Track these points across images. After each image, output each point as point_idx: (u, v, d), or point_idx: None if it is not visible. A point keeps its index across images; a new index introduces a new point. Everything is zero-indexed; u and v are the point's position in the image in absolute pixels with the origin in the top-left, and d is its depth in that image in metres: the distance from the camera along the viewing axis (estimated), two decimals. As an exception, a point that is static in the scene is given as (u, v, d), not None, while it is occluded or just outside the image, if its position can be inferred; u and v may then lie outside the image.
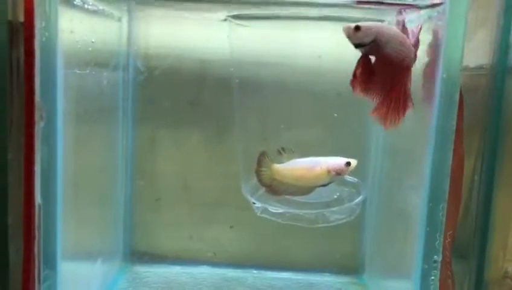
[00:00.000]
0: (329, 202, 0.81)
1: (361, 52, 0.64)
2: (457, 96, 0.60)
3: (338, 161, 0.71)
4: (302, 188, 0.73)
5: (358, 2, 0.66)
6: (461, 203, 0.73)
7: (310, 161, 0.72)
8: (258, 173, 0.73)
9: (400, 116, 0.63)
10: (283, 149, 0.73)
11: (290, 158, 0.73)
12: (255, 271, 0.97)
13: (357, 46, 0.63)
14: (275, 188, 0.74)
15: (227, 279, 0.95)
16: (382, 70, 0.63)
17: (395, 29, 0.63)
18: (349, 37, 0.63)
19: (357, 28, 0.62)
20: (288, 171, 0.72)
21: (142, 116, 0.94)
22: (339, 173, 0.71)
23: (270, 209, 0.79)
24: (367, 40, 0.62)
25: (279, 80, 0.86)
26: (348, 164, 0.71)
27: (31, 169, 0.62)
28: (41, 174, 0.61)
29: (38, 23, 0.59)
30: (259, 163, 0.73)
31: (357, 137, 0.87)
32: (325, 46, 0.86)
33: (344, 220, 0.80)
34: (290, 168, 0.72)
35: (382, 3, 0.65)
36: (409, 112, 0.64)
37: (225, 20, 0.80)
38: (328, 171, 0.71)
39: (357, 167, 0.75)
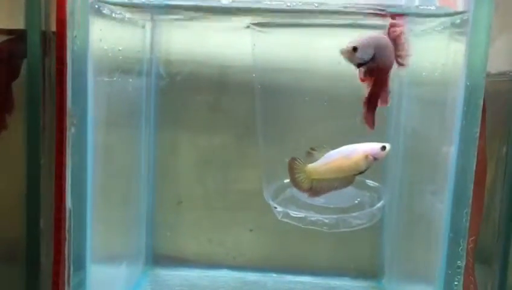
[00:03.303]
0: (349, 206, 0.82)
1: (364, 69, 0.63)
2: (481, 103, 0.61)
3: (373, 146, 0.69)
4: (342, 180, 0.71)
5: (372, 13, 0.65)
6: (483, 208, 0.73)
7: (344, 149, 0.70)
8: (293, 180, 0.70)
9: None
10: (313, 149, 0.70)
11: (322, 155, 0.70)
12: (274, 275, 0.98)
13: (359, 66, 0.62)
14: (316, 189, 0.71)
15: (247, 283, 0.95)
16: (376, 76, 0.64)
17: (387, 39, 0.63)
18: (350, 59, 0.62)
19: (355, 48, 0.61)
20: (325, 166, 0.69)
21: (164, 121, 0.96)
22: (376, 157, 0.69)
23: (291, 213, 0.80)
24: (367, 57, 0.61)
25: (300, 86, 0.87)
26: (384, 147, 0.69)
27: (62, 174, 0.63)
28: (71, 179, 0.63)
29: (70, 33, 0.61)
30: (292, 170, 0.70)
31: (377, 142, 0.87)
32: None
33: (365, 225, 0.80)
34: (326, 162, 0.70)
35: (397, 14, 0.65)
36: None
37: (248, 27, 0.81)
38: (366, 156, 0.69)
39: (377, 171, 0.75)
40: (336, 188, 0.71)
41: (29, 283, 0.73)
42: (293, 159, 0.70)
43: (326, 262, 0.98)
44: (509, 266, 0.75)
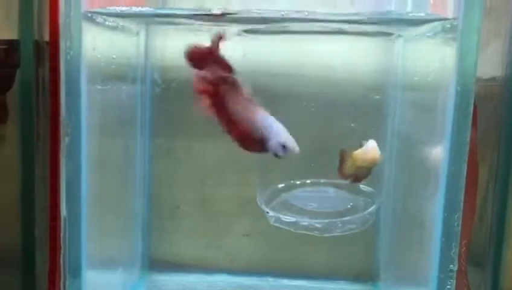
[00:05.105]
0: (342, 211, 0.82)
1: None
2: (471, 109, 0.61)
3: None
4: (365, 170, 0.76)
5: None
6: (476, 212, 0.73)
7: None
8: (341, 168, 0.76)
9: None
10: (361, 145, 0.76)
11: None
12: (271, 279, 0.98)
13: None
14: (360, 175, 0.77)
15: (244, 287, 0.96)
16: None
17: None
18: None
19: None
20: (367, 154, 0.74)
21: (159, 127, 0.95)
22: None
23: (282, 218, 0.81)
24: None
25: (293, 91, 0.87)
26: None
27: (57, 183, 0.64)
28: (66, 187, 0.63)
29: (63, 42, 0.62)
30: (343, 160, 0.76)
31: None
32: (338, 58, 0.88)
33: (357, 230, 0.81)
34: (368, 150, 0.75)
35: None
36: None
37: (239, 34, 0.81)
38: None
39: (371, 175, 0.76)
40: (367, 175, 0.77)
41: (25, 291, 0.73)
42: (343, 151, 0.76)
43: (322, 266, 0.98)
44: (501, 269, 0.75)
